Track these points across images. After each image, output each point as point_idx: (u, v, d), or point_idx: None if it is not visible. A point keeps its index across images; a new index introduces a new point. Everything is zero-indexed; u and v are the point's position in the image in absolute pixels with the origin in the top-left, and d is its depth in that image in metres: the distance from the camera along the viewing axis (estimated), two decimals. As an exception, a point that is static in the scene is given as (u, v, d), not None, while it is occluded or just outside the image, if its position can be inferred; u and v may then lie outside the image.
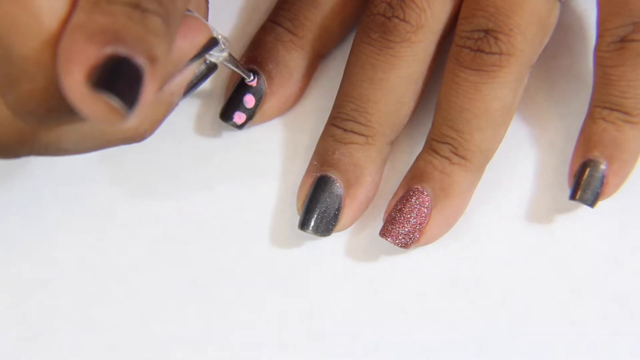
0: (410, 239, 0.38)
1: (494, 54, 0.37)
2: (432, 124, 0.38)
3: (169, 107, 0.32)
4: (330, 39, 0.41)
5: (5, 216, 0.40)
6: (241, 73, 0.38)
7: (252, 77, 0.39)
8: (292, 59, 0.40)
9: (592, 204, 0.38)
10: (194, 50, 0.30)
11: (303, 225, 0.38)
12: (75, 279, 0.40)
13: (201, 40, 0.30)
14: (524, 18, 0.37)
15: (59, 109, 0.28)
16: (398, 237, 0.38)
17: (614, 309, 0.39)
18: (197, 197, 0.40)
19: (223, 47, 0.34)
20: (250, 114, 0.40)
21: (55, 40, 0.27)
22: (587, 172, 0.38)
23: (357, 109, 0.38)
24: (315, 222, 0.38)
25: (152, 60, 0.26)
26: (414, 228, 0.38)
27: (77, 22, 0.26)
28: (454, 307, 0.39)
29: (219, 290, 0.40)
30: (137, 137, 0.31)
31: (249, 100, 0.40)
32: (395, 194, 0.39)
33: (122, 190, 0.40)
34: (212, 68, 0.35)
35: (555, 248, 0.39)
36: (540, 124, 0.40)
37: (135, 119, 0.26)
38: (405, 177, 0.39)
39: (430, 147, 0.38)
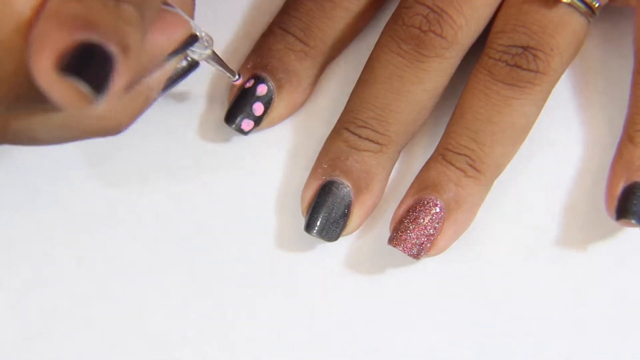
0: (422, 249, 0.38)
1: (530, 70, 0.37)
2: (448, 133, 0.38)
3: (146, 102, 0.32)
4: (341, 49, 0.41)
5: (4, 216, 0.40)
6: (225, 72, 0.38)
7: (237, 77, 0.39)
8: (302, 69, 0.40)
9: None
10: (172, 46, 0.30)
11: (308, 227, 0.38)
12: (75, 279, 0.40)
13: (180, 35, 0.30)
14: (565, 40, 0.37)
15: (28, 96, 0.28)
16: (410, 247, 0.38)
17: (614, 309, 0.39)
18: (198, 197, 0.40)
19: (206, 44, 0.34)
20: (258, 122, 0.40)
21: (26, 26, 0.27)
22: (635, 194, 0.37)
23: (377, 117, 0.38)
24: (320, 224, 0.38)
25: (125, 48, 0.26)
26: (426, 239, 0.38)
27: (49, 9, 0.26)
28: (454, 307, 0.39)
29: (220, 291, 0.40)
30: (112, 129, 0.31)
31: (258, 109, 0.39)
32: (403, 201, 0.39)
33: (122, 190, 0.40)
34: (193, 65, 0.35)
35: (555, 248, 0.39)
36: (540, 123, 0.40)
37: (104, 106, 0.26)
38: (414, 185, 0.39)
39: (445, 157, 0.38)
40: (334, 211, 0.38)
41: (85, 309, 0.39)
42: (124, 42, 0.26)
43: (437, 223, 0.38)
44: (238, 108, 0.39)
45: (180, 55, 0.33)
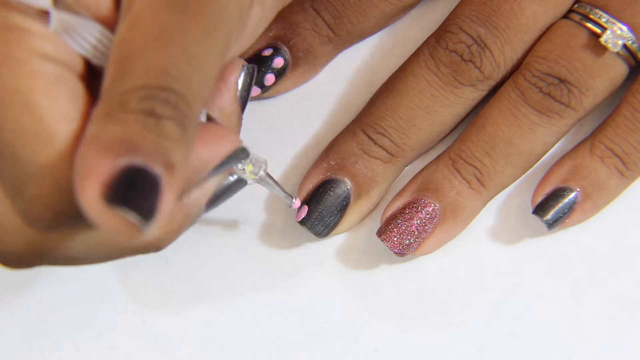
0: (407, 249, 0.38)
1: (561, 103, 0.37)
2: (464, 140, 0.38)
3: (188, 219, 0.31)
4: (361, 39, 0.41)
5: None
6: (282, 197, 0.37)
7: (293, 200, 0.37)
8: (322, 53, 0.40)
9: (550, 226, 0.38)
10: (216, 159, 0.29)
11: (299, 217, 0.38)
12: (75, 279, 0.40)
13: (225, 149, 0.29)
14: (603, 84, 0.37)
15: (67, 215, 0.27)
16: (397, 244, 0.38)
17: (614, 309, 0.39)
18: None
19: (259, 169, 0.33)
20: (264, 90, 0.40)
21: (66, 148, 0.26)
22: (564, 199, 0.38)
23: (398, 128, 0.38)
24: (313, 218, 0.38)
25: (169, 167, 0.25)
26: (414, 240, 0.38)
27: (91, 134, 0.25)
28: (453, 307, 0.39)
29: (219, 290, 0.40)
30: (151, 247, 0.31)
31: (269, 79, 0.39)
32: (401, 194, 0.39)
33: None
34: (240, 182, 0.33)
35: (555, 248, 0.39)
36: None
37: (153, 232, 0.25)
38: (414, 182, 0.39)
39: (455, 163, 0.38)
40: (329, 209, 0.38)
41: (86, 309, 0.40)
42: (168, 161, 0.25)
43: (429, 227, 0.38)
44: None
45: (225, 172, 0.31)
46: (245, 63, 0.34)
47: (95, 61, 0.28)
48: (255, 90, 0.39)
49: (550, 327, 0.39)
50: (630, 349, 0.38)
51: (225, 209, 0.40)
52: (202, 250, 0.40)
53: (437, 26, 0.39)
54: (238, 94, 0.33)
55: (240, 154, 0.30)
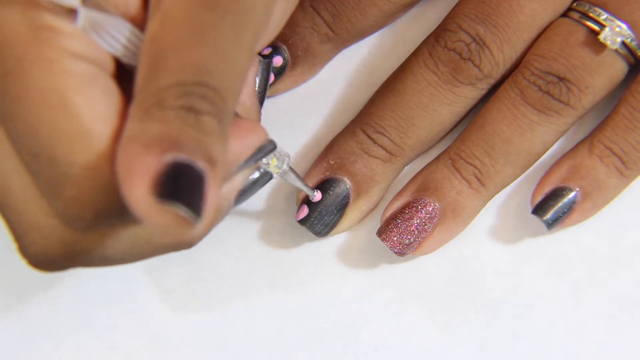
0: (407, 248, 0.38)
1: (560, 101, 0.37)
2: (463, 139, 0.38)
3: (219, 214, 0.31)
4: (361, 38, 0.41)
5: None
6: (304, 190, 0.37)
7: (315, 193, 0.38)
8: (321, 51, 0.40)
9: (549, 226, 0.38)
10: (247, 152, 0.29)
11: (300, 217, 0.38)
12: (75, 279, 0.40)
13: (254, 141, 0.30)
14: (602, 82, 0.37)
15: (106, 214, 0.27)
16: (396, 244, 0.38)
17: (614, 309, 0.39)
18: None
19: (283, 162, 0.33)
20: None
21: (100, 144, 0.26)
22: (563, 199, 0.38)
23: (398, 127, 0.38)
24: (312, 218, 0.38)
25: (212, 161, 0.25)
26: (414, 240, 0.38)
27: (131, 133, 0.25)
28: (453, 307, 0.39)
29: (219, 290, 0.40)
30: (184, 244, 0.31)
31: (271, 75, 0.39)
32: (401, 194, 0.39)
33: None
34: (266, 175, 0.33)
35: (555, 248, 0.39)
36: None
37: (203, 226, 0.25)
38: (414, 182, 0.39)
39: (455, 163, 0.38)
40: (329, 208, 0.38)
41: (86, 309, 0.40)
42: (210, 155, 0.25)
43: (429, 227, 0.38)
44: None
45: (253, 165, 0.31)
46: (260, 58, 0.34)
47: (125, 60, 0.28)
48: None
49: (550, 327, 0.39)
50: (630, 349, 0.38)
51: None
52: (202, 250, 0.40)
53: (436, 25, 0.39)
54: (257, 88, 0.33)
55: (269, 146, 0.31)
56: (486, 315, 0.39)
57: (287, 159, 0.33)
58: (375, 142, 0.38)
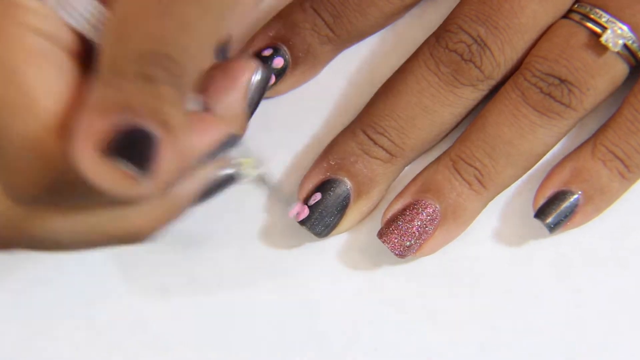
0: (408, 250, 0.38)
1: (562, 103, 0.37)
2: (464, 141, 0.38)
3: (176, 210, 0.31)
4: (361, 39, 0.41)
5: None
6: (282, 202, 0.37)
7: (292, 207, 0.38)
8: (322, 52, 0.40)
9: (551, 230, 0.38)
10: (205, 147, 0.30)
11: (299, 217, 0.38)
12: (75, 279, 0.40)
13: (215, 136, 0.30)
14: (603, 83, 0.37)
15: (51, 188, 0.28)
16: (397, 246, 0.38)
17: (614, 309, 0.39)
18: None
19: (257, 168, 0.33)
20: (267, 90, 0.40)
21: (52, 119, 0.27)
22: (565, 202, 0.38)
23: (398, 128, 0.38)
24: (313, 219, 0.38)
25: (166, 126, 0.26)
26: (415, 242, 0.38)
27: (88, 100, 0.26)
28: (454, 307, 0.39)
29: (219, 290, 0.40)
30: (138, 235, 0.31)
31: (270, 80, 0.40)
32: (401, 195, 0.39)
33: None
34: (232, 178, 0.33)
35: (555, 248, 0.39)
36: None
37: (152, 188, 0.26)
38: (415, 183, 0.39)
39: (455, 164, 0.38)
40: (329, 209, 0.38)
41: (86, 308, 0.40)
42: (165, 121, 0.26)
43: (429, 228, 0.38)
44: None
45: (217, 164, 0.31)
46: (261, 66, 0.34)
47: (89, 35, 0.28)
48: None
49: (550, 327, 0.39)
50: (630, 349, 0.38)
51: (225, 209, 0.40)
52: (202, 249, 0.40)
53: (437, 26, 0.39)
54: (249, 96, 0.33)
55: (230, 142, 0.30)
56: (486, 316, 0.39)
57: (259, 163, 0.33)
58: (375, 143, 0.38)
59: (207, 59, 0.28)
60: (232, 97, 0.32)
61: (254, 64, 0.33)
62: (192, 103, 0.30)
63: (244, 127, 0.33)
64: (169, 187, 0.29)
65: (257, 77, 0.33)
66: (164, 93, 0.26)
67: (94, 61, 0.27)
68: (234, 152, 0.32)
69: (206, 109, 0.31)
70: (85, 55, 0.29)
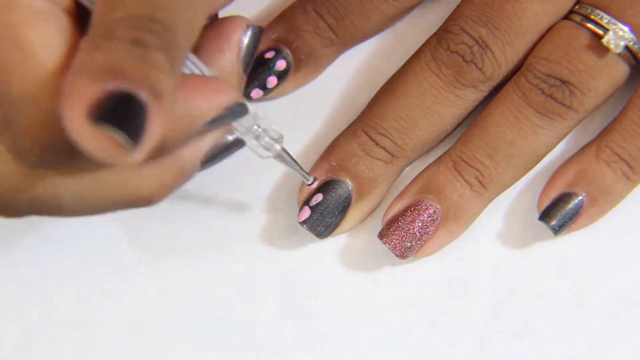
0: (409, 251, 0.38)
1: (563, 105, 0.37)
2: (465, 141, 0.38)
3: (181, 174, 0.31)
4: (363, 41, 0.41)
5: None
6: (300, 176, 0.37)
7: (311, 181, 0.38)
8: (324, 54, 0.40)
9: (556, 232, 0.38)
10: (212, 111, 0.29)
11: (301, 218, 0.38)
12: (75, 279, 0.40)
13: (222, 101, 0.29)
14: (605, 85, 0.38)
15: (56, 149, 0.27)
16: (398, 247, 0.38)
17: (614, 309, 0.39)
18: (196, 195, 0.40)
19: (274, 141, 0.33)
20: (267, 92, 0.40)
21: (51, 77, 0.27)
22: (570, 204, 0.38)
23: (400, 129, 0.38)
24: (314, 219, 0.38)
25: (156, 94, 0.25)
26: (416, 242, 0.38)
27: (77, 62, 0.26)
28: (453, 307, 0.39)
29: (219, 290, 0.40)
30: (143, 199, 0.31)
31: (272, 81, 0.40)
32: (402, 196, 0.39)
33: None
34: (238, 142, 0.33)
35: (555, 248, 0.39)
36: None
37: (141, 156, 0.25)
38: (416, 184, 0.39)
39: (456, 165, 0.38)
40: (330, 209, 0.38)
41: (86, 308, 0.39)
42: (155, 88, 0.26)
43: (430, 229, 0.38)
44: (253, 77, 0.40)
45: (223, 129, 0.31)
46: (251, 23, 0.33)
47: (84, 1, 0.28)
48: (257, 93, 0.40)
49: (550, 327, 0.39)
50: (630, 349, 0.38)
51: (225, 209, 0.40)
52: (202, 250, 0.40)
53: (438, 27, 0.39)
54: (242, 54, 0.33)
55: (238, 109, 0.30)
56: (486, 316, 0.39)
57: (280, 137, 0.33)
58: (377, 144, 0.38)
59: (199, 25, 0.28)
60: (226, 57, 0.32)
61: (242, 20, 0.33)
62: (193, 66, 0.30)
63: (240, 89, 0.33)
64: (166, 153, 0.29)
65: (247, 34, 0.33)
66: (155, 59, 0.26)
67: (87, 26, 0.27)
68: (256, 124, 0.32)
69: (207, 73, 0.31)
70: (81, 20, 0.29)
